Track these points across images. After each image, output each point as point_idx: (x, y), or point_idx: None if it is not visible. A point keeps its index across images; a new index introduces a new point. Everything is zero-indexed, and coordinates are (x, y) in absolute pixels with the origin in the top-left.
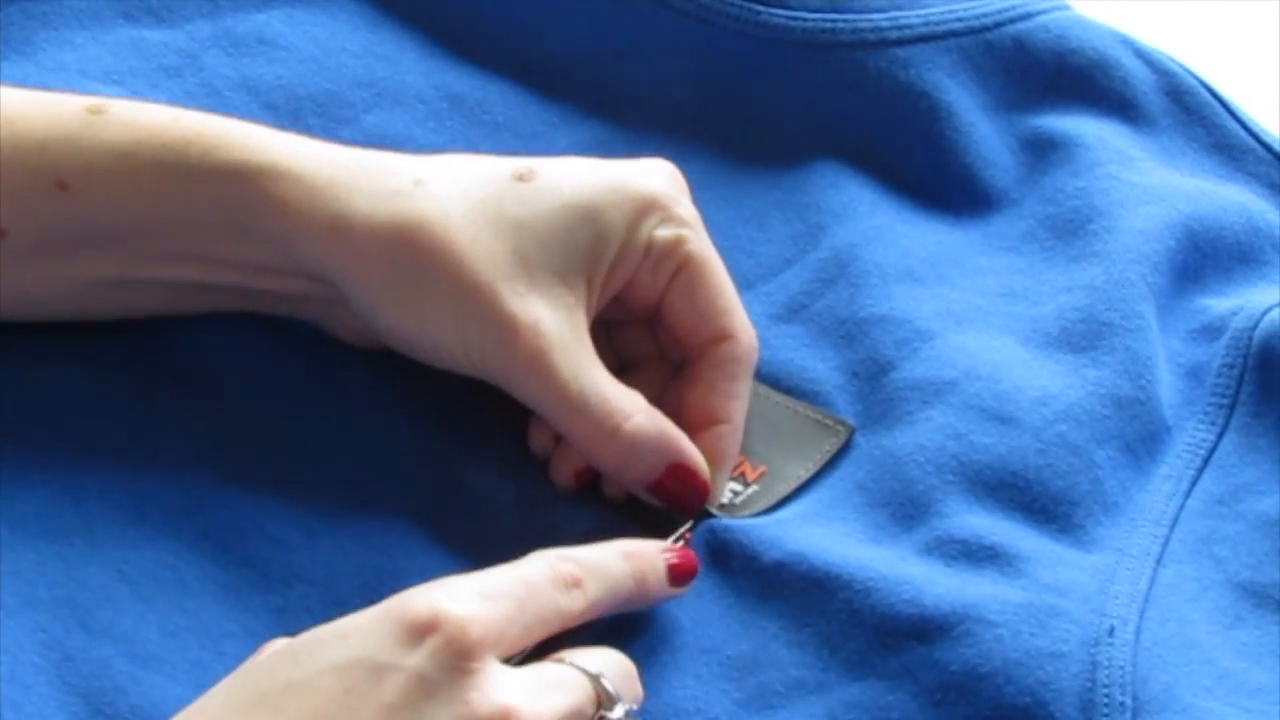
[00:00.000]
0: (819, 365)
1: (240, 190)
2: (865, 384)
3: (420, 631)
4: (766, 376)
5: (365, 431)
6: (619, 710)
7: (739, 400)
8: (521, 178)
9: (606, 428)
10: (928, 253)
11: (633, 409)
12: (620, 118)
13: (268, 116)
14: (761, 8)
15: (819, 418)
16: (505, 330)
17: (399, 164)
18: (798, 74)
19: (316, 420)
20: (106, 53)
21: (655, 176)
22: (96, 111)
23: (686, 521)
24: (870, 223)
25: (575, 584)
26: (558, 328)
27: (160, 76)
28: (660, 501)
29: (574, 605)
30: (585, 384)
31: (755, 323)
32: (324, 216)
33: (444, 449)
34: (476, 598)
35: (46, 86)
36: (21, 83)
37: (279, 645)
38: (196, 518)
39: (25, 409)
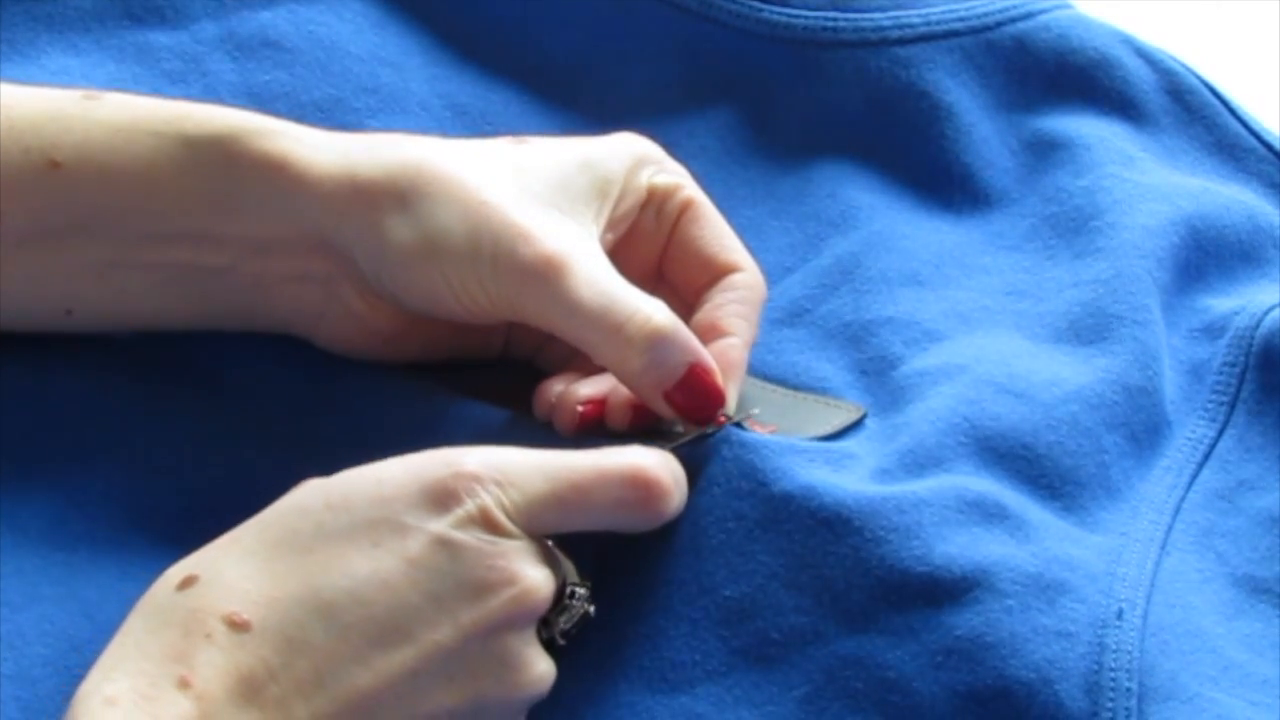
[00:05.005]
0: (825, 364)
1: (238, 150)
2: (874, 379)
3: (449, 499)
4: (772, 378)
5: (366, 433)
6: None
7: (746, 323)
8: (517, 143)
9: (630, 328)
10: (931, 255)
11: (655, 308)
12: (621, 126)
13: None
14: (763, 5)
15: (828, 402)
16: (520, 237)
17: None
18: (798, 72)
19: (317, 422)
20: (110, 58)
21: (643, 140)
22: (92, 97)
23: (695, 433)
24: (871, 228)
25: (660, 498)
26: (572, 236)
27: (164, 83)
28: (675, 411)
29: (640, 522)
30: (606, 286)
31: (758, 327)
32: (324, 166)
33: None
34: (511, 482)
35: None
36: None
37: (314, 484)
38: (198, 521)
39: (26, 416)
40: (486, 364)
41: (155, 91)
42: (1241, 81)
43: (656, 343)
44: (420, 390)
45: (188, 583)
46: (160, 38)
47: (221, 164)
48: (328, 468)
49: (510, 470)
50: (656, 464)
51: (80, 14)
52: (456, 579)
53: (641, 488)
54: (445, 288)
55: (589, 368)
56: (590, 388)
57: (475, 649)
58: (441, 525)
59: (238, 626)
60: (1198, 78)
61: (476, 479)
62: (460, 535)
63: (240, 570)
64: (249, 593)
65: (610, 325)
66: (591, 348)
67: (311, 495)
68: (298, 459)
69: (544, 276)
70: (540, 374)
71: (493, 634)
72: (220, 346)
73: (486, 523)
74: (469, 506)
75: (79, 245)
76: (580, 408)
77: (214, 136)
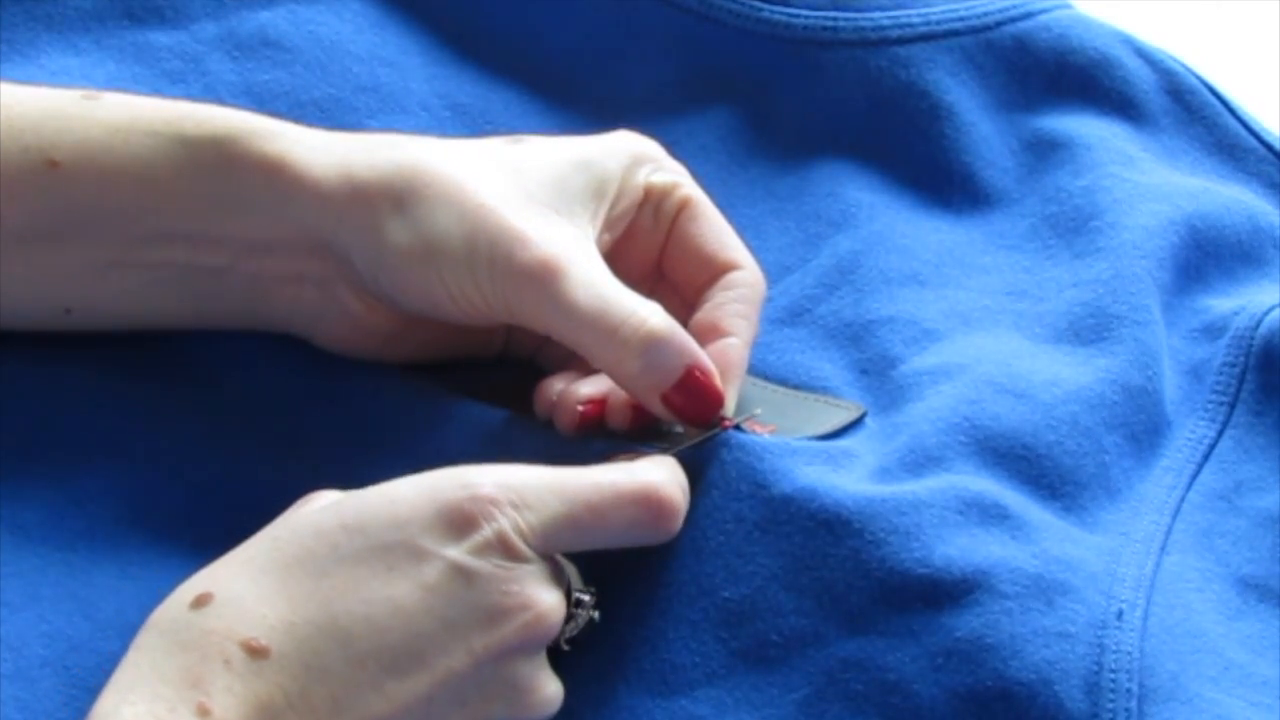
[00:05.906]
0: (825, 364)
1: (237, 151)
2: (875, 379)
3: (467, 525)
4: (772, 378)
5: (365, 432)
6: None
7: (747, 322)
8: (513, 142)
9: (626, 329)
10: (931, 254)
11: (650, 311)
12: (621, 126)
13: None
14: (763, 5)
15: (828, 401)
16: (516, 241)
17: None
18: (798, 72)
19: (316, 421)
20: (110, 58)
21: (641, 138)
22: (91, 97)
23: (697, 438)
24: (871, 228)
25: (671, 516)
26: (569, 239)
27: (164, 83)
28: (674, 414)
29: (651, 538)
30: (601, 289)
31: (758, 326)
32: (322, 168)
33: (447, 448)
34: (527, 504)
35: None
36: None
37: (327, 500)
38: (198, 520)
39: (25, 415)
40: (486, 363)
41: (155, 91)
42: (1241, 81)
43: (652, 345)
44: (420, 390)
45: (202, 601)
46: (160, 38)
47: (220, 165)
48: (327, 467)
49: (526, 492)
50: (668, 481)
51: (80, 14)
52: (471, 605)
53: (655, 507)
54: (442, 290)
55: (589, 366)
56: (591, 387)
57: (487, 673)
58: (458, 552)
59: (256, 653)
60: (1198, 78)
61: (494, 502)
62: (477, 563)
63: (256, 592)
64: (266, 617)
65: (606, 329)
66: (588, 351)
67: (326, 515)
68: (297, 458)
69: (540, 280)
70: (540, 373)
71: (504, 658)
72: (220, 346)
73: (504, 548)
74: (486, 533)
75: (78, 245)
76: (580, 407)
77: (213, 137)
